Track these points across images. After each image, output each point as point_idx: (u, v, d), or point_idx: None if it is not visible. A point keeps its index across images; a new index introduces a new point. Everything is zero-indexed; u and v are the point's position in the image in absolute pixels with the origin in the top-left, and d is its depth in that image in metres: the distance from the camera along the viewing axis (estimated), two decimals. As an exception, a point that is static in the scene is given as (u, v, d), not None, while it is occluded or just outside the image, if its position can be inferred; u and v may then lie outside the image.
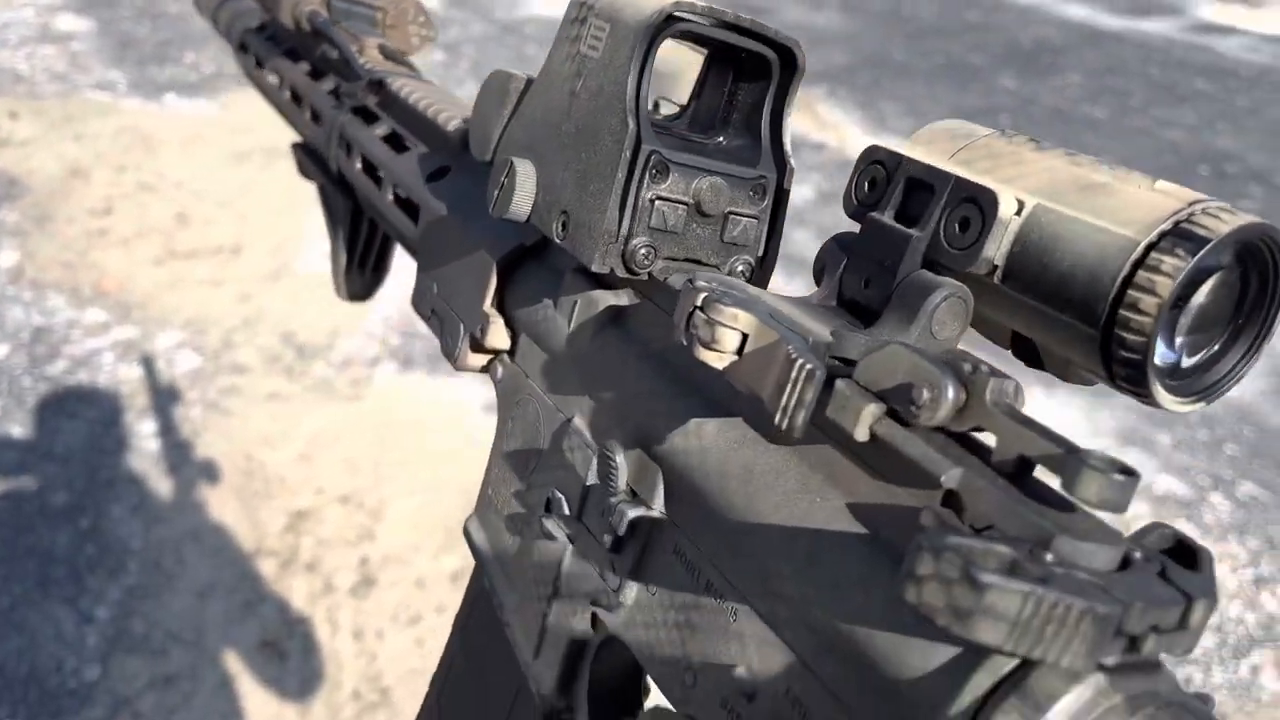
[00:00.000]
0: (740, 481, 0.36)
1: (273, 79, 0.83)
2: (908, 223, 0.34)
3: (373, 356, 2.86)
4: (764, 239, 0.45)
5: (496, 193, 0.46)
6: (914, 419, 0.30)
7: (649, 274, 0.43)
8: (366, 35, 0.69)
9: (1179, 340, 0.31)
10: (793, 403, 0.31)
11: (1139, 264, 0.29)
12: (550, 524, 0.44)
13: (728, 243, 0.44)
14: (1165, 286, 0.28)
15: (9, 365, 2.72)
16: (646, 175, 0.41)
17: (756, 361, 0.32)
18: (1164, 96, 5.50)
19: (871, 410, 0.31)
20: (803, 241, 3.42)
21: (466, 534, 0.51)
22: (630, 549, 0.40)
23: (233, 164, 3.88)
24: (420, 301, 0.56)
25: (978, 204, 0.32)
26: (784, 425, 0.31)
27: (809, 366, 0.31)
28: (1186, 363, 0.31)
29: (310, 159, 0.78)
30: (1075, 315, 0.30)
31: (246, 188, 3.71)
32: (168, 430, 2.51)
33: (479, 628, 0.52)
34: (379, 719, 1.86)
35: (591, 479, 0.42)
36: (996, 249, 0.32)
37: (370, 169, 0.66)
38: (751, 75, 0.44)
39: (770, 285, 0.44)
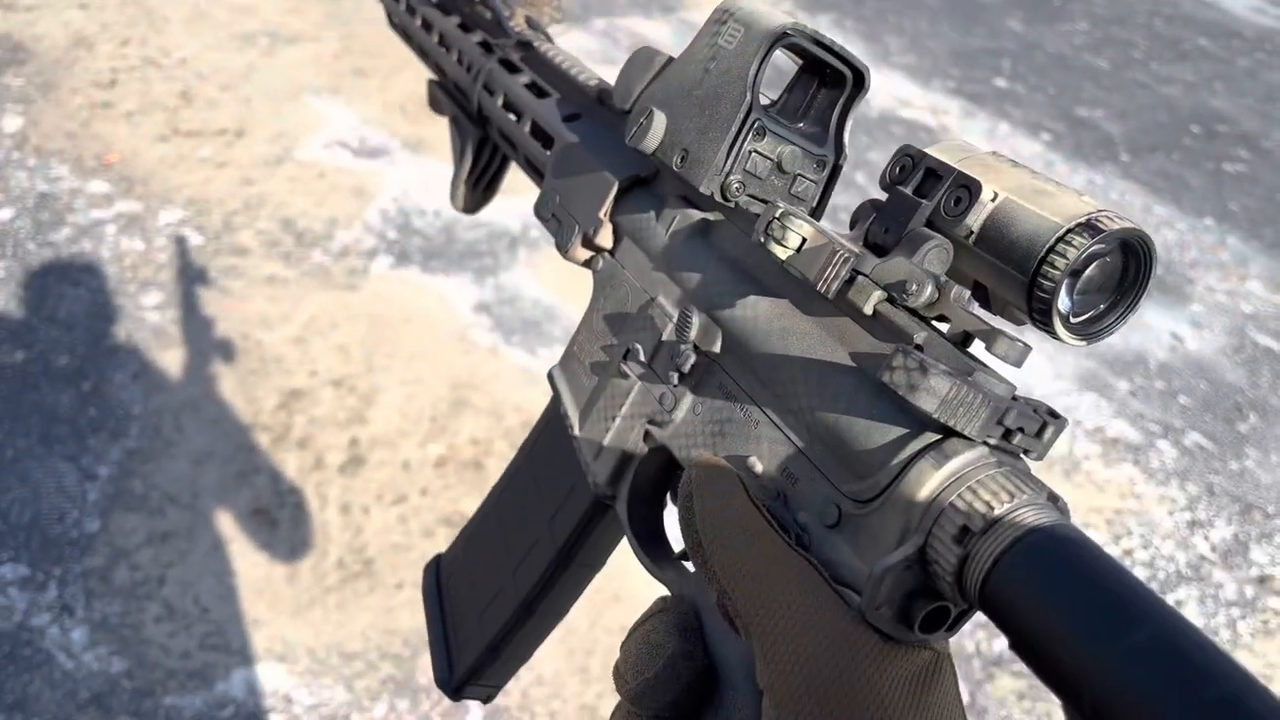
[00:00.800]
0: (779, 337, 0.52)
1: (419, 24, 1.02)
2: (920, 196, 0.48)
3: (370, 249, 2.93)
4: (817, 199, 0.61)
5: (635, 129, 0.63)
6: (903, 303, 0.47)
7: (735, 204, 0.59)
8: (515, 4, 0.89)
9: (1076, 297, 0.46)
10: (833, 275, 0.48)
11: (1060, 240, 0.44)
12: (627, 366, 0.62)
13: (793, 195, 0.60)
14: (1072, 254, 0.43)
15: (14, 229, 2.78)
16: (751, 132, 0.58)
17: (810, 255, 0.49)
18: (1166, 51, 5.53)
19: (878, 294, 0.47)
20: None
21: (551, 378, 0.69)
22: (687, 383, 0.57)
23: (236, 46, 3.89)
24: (543, 207, 0.74)
25: (969, 189, 0.46)
26: (824, 290, 0.48)
27: (847, 254, 0.48)
28: (1077, 315, 0.47)
29: (445, 94, 0.98)
30: (1016, 268, 0.45)
31: (249, 71, 3.73)
32: (168, 304, 2.59)
33: (545, 445, 0.73)
34: (361, 587, 1.99)
35: (665, 336, 0.59)
36: (976, 220, 0.47)
37: (510, 107, 0.85)
38: (831, 84, 0.60)
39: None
